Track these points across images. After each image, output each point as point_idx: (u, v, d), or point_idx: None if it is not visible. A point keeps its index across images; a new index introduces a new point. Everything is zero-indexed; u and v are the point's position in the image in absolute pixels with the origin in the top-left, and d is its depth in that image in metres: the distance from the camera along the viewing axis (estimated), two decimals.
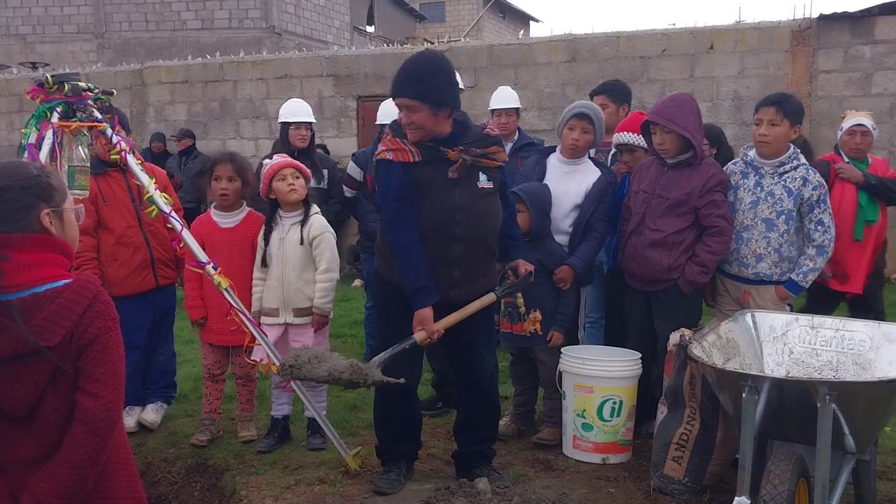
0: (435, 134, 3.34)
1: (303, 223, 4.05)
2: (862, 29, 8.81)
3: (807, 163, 4.01)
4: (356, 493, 3.57)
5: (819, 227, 3.92)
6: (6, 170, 2.06)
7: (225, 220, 4.28)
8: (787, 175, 3.93)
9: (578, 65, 9.81)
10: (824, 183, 3.98)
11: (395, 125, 3.45)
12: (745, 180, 4.02)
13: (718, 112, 9.23)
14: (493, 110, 5.53)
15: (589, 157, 4.43)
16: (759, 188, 3.97)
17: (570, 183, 4.28)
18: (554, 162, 4.38)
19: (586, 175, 4.30)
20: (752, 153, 4.07)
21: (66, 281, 1.99)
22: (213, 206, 4.35)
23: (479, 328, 3.62)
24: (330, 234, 4.09)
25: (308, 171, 4.16)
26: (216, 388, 4.40)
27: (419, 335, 3.38)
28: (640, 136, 4.25)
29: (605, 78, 7.87)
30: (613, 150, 4.73)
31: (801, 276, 3.94)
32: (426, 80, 3.26)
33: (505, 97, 5.57)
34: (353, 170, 5.70)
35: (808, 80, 8.95)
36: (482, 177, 3.43)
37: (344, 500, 3.52)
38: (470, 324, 3.55)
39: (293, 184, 4.03)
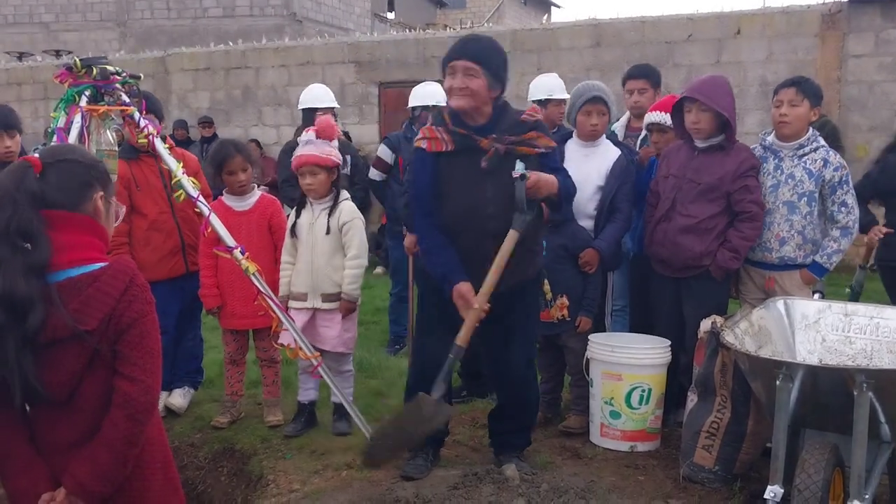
0: (478, 109, 3.28)
1: (331, 211, 4.03)
2: (894, 12, 8.64)
3: (826, 144, 3.97)
4: (383, 479, 3.57)
5: (843, 209, 3.88)
6: (75, 148, 2.18)
7: (239, 204, 4.29)
8: (806, 157, 3.90)
9: (603, 50, 9.71)
10: (845, 164, 3.94)
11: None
12: (765, 164, 3.97)
13: (745, 98, 9.10)
14: (543, 100, 5.38)
15: (607, 138, 4.40)
16: (778, 171, 3.93)
17: (590, 165, 4.24)
18: (572, 147, 4.34)
19: (606, 156, 4.26)
20: (770, 138, 4.03)
21: (102, 264, 1.99)
22: (224, 191, 4.36)
23: (511, 321, 3.55)
24: (359, 221, 4.07)
25: (330, 159, 4.04)
26: (238, 371, 4.42)
27: (471, 315, 3.26)
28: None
29: (630, 63, 7.77)
30: (644, 134, 4.67)
31: (826, 257, 3.89)
32: (491, 51, 3.28)
33: (554, 87, 5.46)
34: (385, 152, 5.66)
35: (838, 65, 8.81)
36: (518, 166, 3.29)
37: (371, 485, 3.52)
38: (501, 316, 3.48)
39: (311, 183, 4.01)
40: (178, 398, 4.56)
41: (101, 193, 2.06)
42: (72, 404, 2.00)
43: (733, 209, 3.91)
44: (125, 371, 1.97)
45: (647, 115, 4.49)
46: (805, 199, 3.88)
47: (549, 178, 3.33)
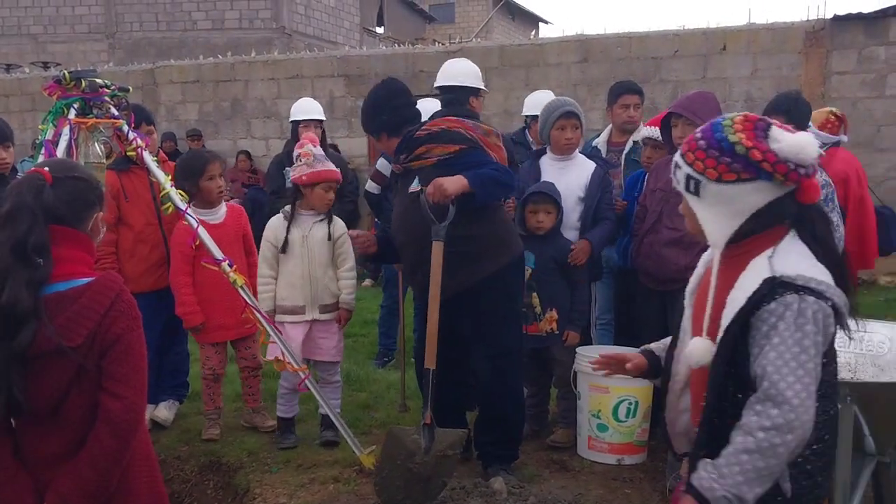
0: (390, 153, 3.81)
1: (329, 222, 4.11)
2: (876, 30, 8.76)
3: None
4: (370, 492, 3.56)
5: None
6: (78, 164, 2.23)
7: (211, 217, 4.29)
8: None
9: (590, 65, 9.78)
10: (831, 182, 3.95)
11: None
12: None
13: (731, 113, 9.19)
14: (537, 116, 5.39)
15: (584, 152, 4.53)
16: None
17: (568, 178, 4.32)
18: (547, 161, 4.42)
19: (582, 168, 4.35)
20: None
21: (89, 279, 1.98)
22: (192, 204, 4.22)
23: (468, 330, 3.63)
24: (347, 234, 4.16)
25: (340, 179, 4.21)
26: (218, 386, 4.43)
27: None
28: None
29: (617, 79, 7.82)
30: (628, 149, 4.72)
31: None
32: (363, 115, 3.86)
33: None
34: (383, 166, 5.67)
35: (822, 81, 8.90)
36: (416, 181, 3.56)
37: (358, 498, 3.52)
38: (456, 326, 3.57)
39: (332, 198, 4.11)
40: (164, 411, 4.53)
41: (101, 213, 2.08)
42: (58, 418, 1.98)
43: None
44: (110, 388, 1.96)
45: (643, 129, 4.54)
46: None
47: (451, 179, 3.39)
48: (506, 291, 3.66)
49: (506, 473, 3.64)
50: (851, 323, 1.91)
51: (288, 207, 4.11)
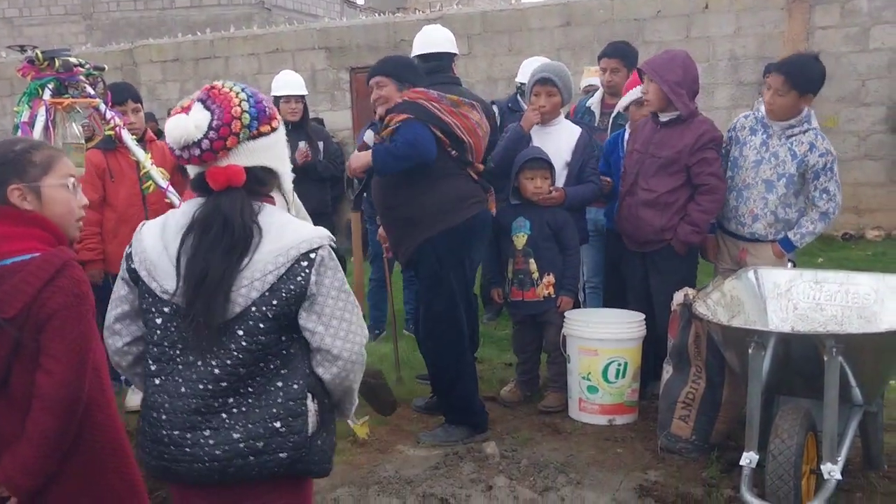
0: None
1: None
2: None
3: (818, 127, 3.84)
4: (364, 462, 3.59)
5: (824, 196, 3.78)
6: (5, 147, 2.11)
7: None
8: (794, 138, 3.79)
9: (573, 29, 9.71)
10: (833, 150, 3.81)
11: None
12: (753, 137, 3.89)
13: (714, 72, 9.15)
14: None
15: (575, 113, 4.55)
16: (764, 147, 3.85)
17: (557, 143, 4.32)
18: (535, 127, 4.39)
19: (568, 133, 4.34)
20: (763, 109, 3.91)
21: (35, 254, 1.97)
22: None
23: (419, 295, 3.89)
24: None
25: None
26: None
27: None
28: None
29: (600, 42, 7.75)
30: (615, 113, 4.70)
31: (799, 236, 3.85)
32: (396, 64, 3.86)
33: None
34: (370, 137, 5.64)
35: (806, 36, 8.86)
36: None
37: (352, 468, 3.54)
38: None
39: None
40: (136, 397, 4.51)
41: (16, 186, 2.02)
42: (6, 396, 1.97)
43: (693, 182, 3.93)
44: (43, 363, 1.94)
45: (625, 96, 4.49)
46: (784, 179, 3.80)
47: (358, 155, 3.85)
48: (436, 257, 3.73)
49: (438, 429, 3.84)
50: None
51: None
